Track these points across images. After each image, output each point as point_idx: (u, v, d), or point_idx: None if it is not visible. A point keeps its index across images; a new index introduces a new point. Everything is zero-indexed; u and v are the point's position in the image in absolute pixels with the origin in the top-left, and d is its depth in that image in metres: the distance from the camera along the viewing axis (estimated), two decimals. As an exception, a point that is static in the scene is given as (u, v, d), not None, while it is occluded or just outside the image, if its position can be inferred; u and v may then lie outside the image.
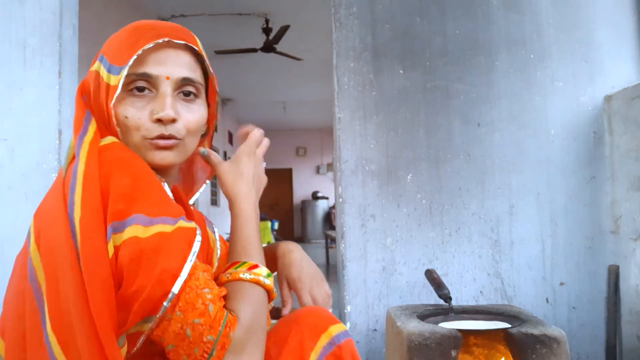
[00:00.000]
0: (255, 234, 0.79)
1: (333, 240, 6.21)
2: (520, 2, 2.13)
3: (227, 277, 0.73)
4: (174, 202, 0.72)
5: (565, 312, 2.02)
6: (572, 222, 2.05)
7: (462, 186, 2.05)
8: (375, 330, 1.97)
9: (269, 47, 5.40)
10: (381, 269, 1.99)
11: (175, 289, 0.63)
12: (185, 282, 0.65)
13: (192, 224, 0.68)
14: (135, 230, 0.63)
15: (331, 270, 5.96)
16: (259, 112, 10.10)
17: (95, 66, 0.78)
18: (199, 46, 0.80)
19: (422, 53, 2.09)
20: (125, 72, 0.72)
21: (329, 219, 11.20)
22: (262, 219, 8.57)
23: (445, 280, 1.83)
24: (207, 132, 0.89)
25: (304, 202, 11.65)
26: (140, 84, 0.75)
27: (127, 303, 0.62)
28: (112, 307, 0.61)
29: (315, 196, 11.72)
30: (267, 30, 5.38)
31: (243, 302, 0.71)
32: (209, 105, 0.85)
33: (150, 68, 0.75)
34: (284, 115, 10.15)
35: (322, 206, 11.58)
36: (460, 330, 1.38)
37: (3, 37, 1.75)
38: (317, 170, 12.11)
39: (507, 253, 2.03)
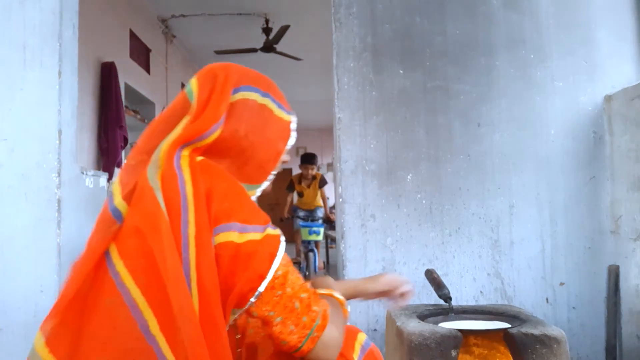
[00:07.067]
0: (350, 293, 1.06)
1: (333, 240, 6.21)
2: (520, 2, 2.13)
3: (323, 293, 0.92)
4: (262, 211, 0.82)
5: (565, 312, 2.02)
6: (572, 222, 2.05)
7: (462, 186, 2.05)
8: (375, 330, 1.97)
9: (269, 47, 5.40)
10: (381, 269, 1.99)
11: (262, 288, 0.74)
12: (286, 266, 0.77)
13: (277, 231, 0.79)
14: (231, 236, 0.73)
15: (331, 270, 5.95)
16: (259, 112, 10.10)
17: (259, 100, 0.87)
18: None
19: (422, 53, 2.09)
20: (295, 119, 0.92)
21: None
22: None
23: (445, 280, 1.83)
24: None
25: (304, 202, 11.63)
26: None
27: (223, 295, 0.73)
28: (221, 308, 0.72)
29: (315, 196, 11.71)
30: (267, 30, 5.38)
31: (330, 302, 0.87)
32: None
33: None
34: (284, 115, 10.15)
35: (322, 206, 11.56)
36: (460, 330, 1.38)
37: (3, 37, 1.75)
38: (317, 170, 12.10)
39: (507, 253, 2.03)
